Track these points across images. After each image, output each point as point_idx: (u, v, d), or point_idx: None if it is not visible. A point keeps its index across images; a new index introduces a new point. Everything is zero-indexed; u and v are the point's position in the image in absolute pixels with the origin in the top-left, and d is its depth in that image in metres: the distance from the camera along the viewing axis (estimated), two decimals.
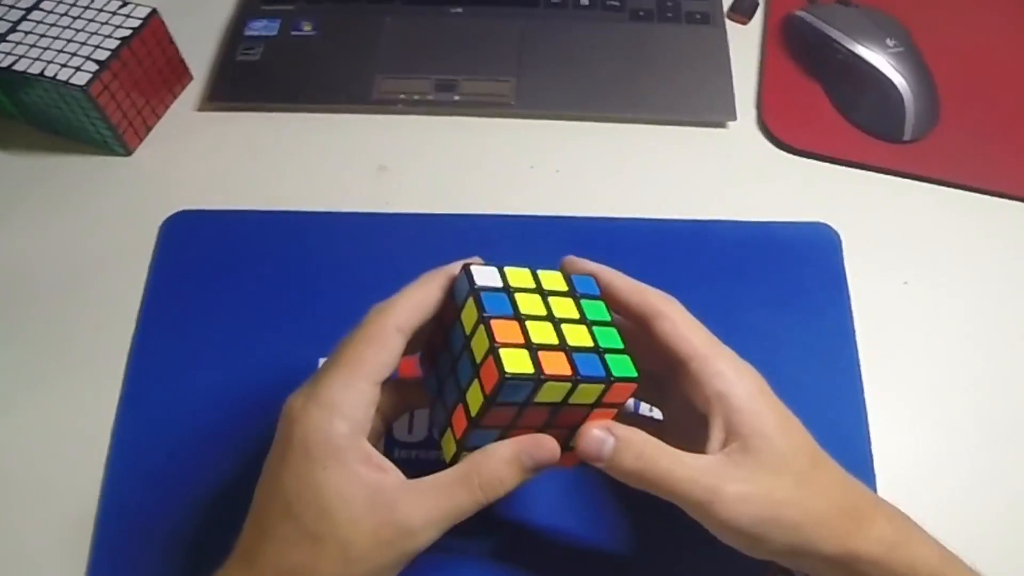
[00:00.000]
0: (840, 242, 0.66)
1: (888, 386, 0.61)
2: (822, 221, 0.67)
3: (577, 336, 0.45)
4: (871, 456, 0.57)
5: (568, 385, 0.43)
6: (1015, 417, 0.60)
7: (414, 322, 0.45)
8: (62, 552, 0.54)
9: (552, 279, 0.47)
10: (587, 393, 0.44)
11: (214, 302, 0.63)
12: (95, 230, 0.68)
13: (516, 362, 0.42)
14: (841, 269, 0.65)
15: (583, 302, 0.47)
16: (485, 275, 0.45)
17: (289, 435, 0.43)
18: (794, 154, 0.72)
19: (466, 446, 0.44)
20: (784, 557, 0.45)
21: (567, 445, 0.46)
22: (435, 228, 0.64)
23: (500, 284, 0.45)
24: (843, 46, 0.73)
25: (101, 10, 0.70)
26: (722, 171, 0.71)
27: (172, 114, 0.75)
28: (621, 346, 0.46)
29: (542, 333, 0.44)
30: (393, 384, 0.48)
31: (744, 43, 0.80)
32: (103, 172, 0.71)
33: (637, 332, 0.48)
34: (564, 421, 0.45)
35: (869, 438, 0.58)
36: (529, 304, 0.45)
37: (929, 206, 0.69)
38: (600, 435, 0.45)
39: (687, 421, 0.47)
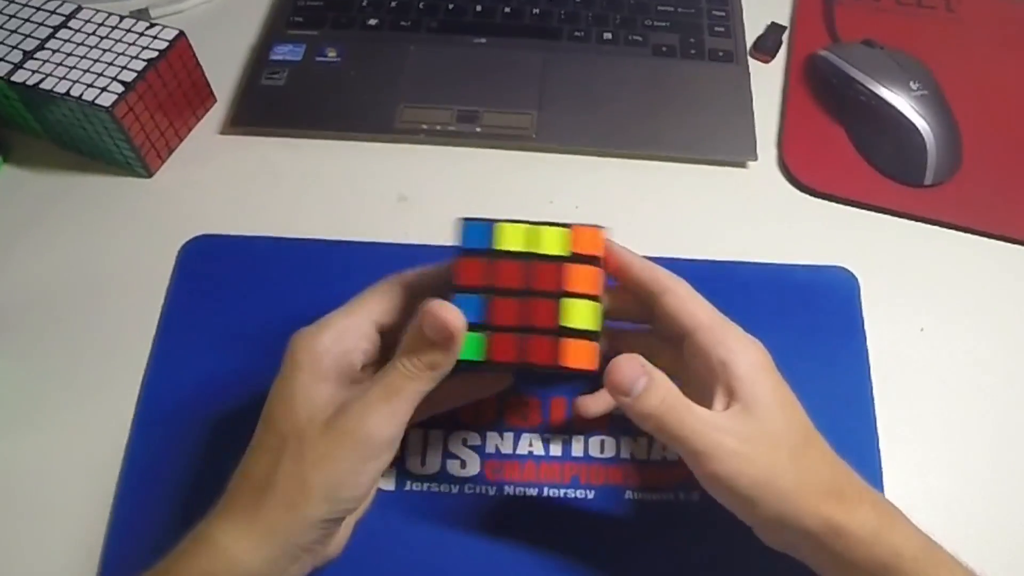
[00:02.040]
0: (858, 287, 0.66)
1: (903, 432, 0.60)
2: (841, 265, 0.67)
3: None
4: None
5: (525, 226, 0.45)
6: None
7: (419, 282, 0.50)
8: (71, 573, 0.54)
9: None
10: (551, 240, 0.46)
11: (230, 328, 0.63)
12: (114, 251, 0.68)
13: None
14: (859, 314, 0.65)
15: None
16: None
17: (284, 357, 0.48)
18: (814, 196, 0.72)
19: None
20: (770, 526, 0.47)
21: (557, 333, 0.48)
22: None
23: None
24: (866, 88, 0.73)
25: (128, 31, 0.70)
26: (741, 211, 0.71)
27: (195, 137, 0.75)
28: None
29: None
30: None
31: (767, 82, 0.80)
32: (124, 193, 0.71)
33: (649, 308, 0.51)
34: (543, 283, 0.47)
35: (882, 483, 0.58)
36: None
37: (949, 252, 0.69)
38: (637, 372, 0.46)
39: (696, 394, 0.49)
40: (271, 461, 0.45)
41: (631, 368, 0.46)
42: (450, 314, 0.45)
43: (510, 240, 0.46)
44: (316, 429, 0.45)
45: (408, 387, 0.46)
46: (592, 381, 0.50)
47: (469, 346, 0.47)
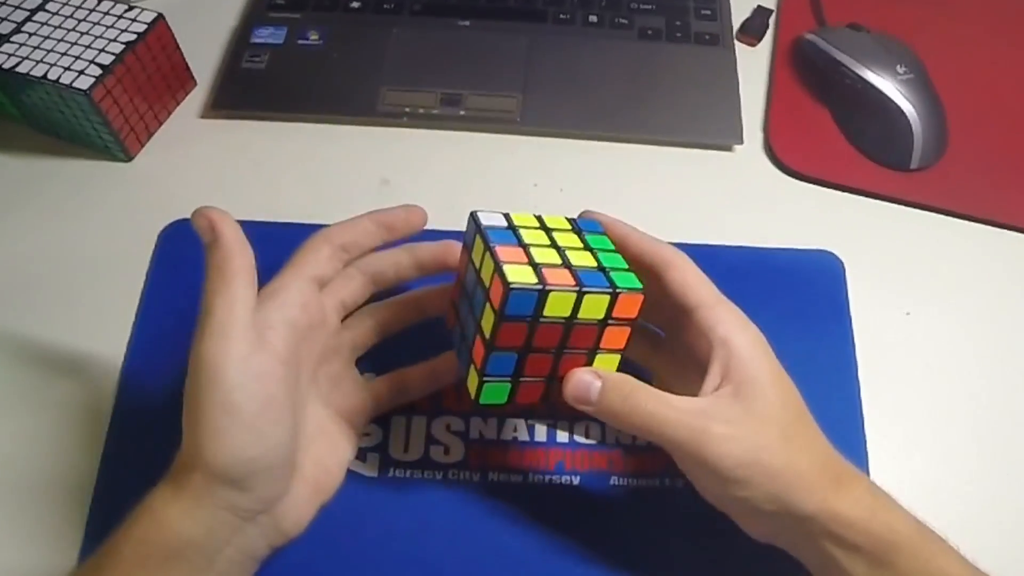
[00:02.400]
0: (844, 270, 0.66)
1: (888, 415, 0.60)
2: (826, 249, 0.67)
3: (581, 259, 0.48)
4: None
5: (574, 296, 0.45)
6: (1015, 449, 0.60)
7: (340, 237, 0.52)
8: (51, 559, 0.54)
9: (556, 220, 0.51)
10: (594, 306, 0.46)
11: None
12: (93, 236, 0.67)
13: (521, 275, 0.44)
14: (844, 298, 0.65)
15: (587, 236, 0.50)
16: (491, 217, 0.49)
17: None
18: (800, 180, 0.72)
19: (486, 374, 0.47)
20: (761, 511, 0.46)
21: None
22: None
23: (505, 224, 0.48)
24: (852, 71, 0.73)
25: (107, 14, 0.70)
26: (727, 195, 0.71)
27: (175, 120, 0.74)
28: (625, 266, 0.49)
29: (546, 256, 0.47)
30: (394, 374, 0.55)
31: (753, 65, 0.79)
32: (103, 178, 0.71)
33: (646, 282, 0.49)
34: (578, 342, 0.47)
35: (868, 467, 0.58)
36: (534, 237, 0.48)
37: (935, 236, 0.69)
38: (587, 378, 0.47)
39: (682, 375, 0.50)
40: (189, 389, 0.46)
41: (581, 376, 0.47)
42: (215, 214, 0.48)
43: (556, 308, 0.45)
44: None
45: (218, 300, 0.45)
46: None
47: (495, 392, 0.48)
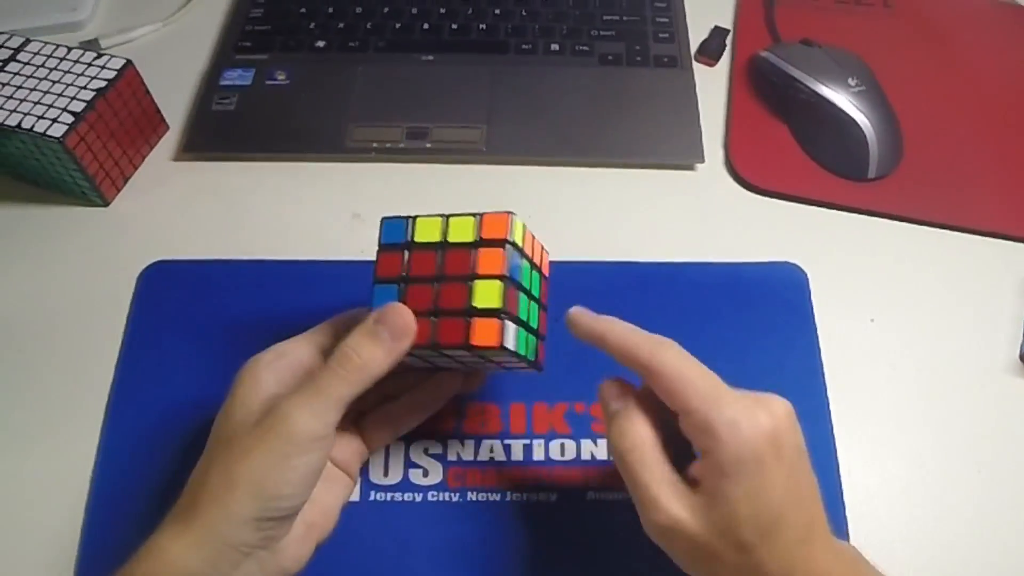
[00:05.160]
0: (808, 281, 0.67)
1: (857, 423, 0.62)
2: (790, 261, 0.68)
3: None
4: (841, 491, 0.58)
5: (439, 219, 0.50)
6: (982, 451, 0.61)
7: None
8: None
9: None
10: (462, 228, 0.50)
11: (192, 353, 0.64)
12: (73, 281, 0.68)
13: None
14: (809, 308, 0.66)
15: None
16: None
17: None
18: (761, 194, 0.73)
19: (372, 307, 0.50)
20: None
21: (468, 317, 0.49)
22: None
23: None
24: (806, 86, 0.75)
25: (77, 62, 0.71)
26: (691, 213, 0.72)
27: (149, 164, 0.76)
28: None
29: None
30: (380, 412, 0.56)
31: (712, 85, 0.81)
32: (81, 223, 0.72)
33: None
34: (455, 268, 0.50)
35: (839, 474, 0.59)
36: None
37: (894, 243, 0.71)
38: (613, 395, 0.50)
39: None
40: (206, 464, 0.48)
41: (611, 389, 0.50)
42: (406, 313, 0.49)
43: (425, 233, 0.50)
44: (246, 429, 0.47)
45: (335, 389, 0.47)
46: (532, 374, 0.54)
47: None
